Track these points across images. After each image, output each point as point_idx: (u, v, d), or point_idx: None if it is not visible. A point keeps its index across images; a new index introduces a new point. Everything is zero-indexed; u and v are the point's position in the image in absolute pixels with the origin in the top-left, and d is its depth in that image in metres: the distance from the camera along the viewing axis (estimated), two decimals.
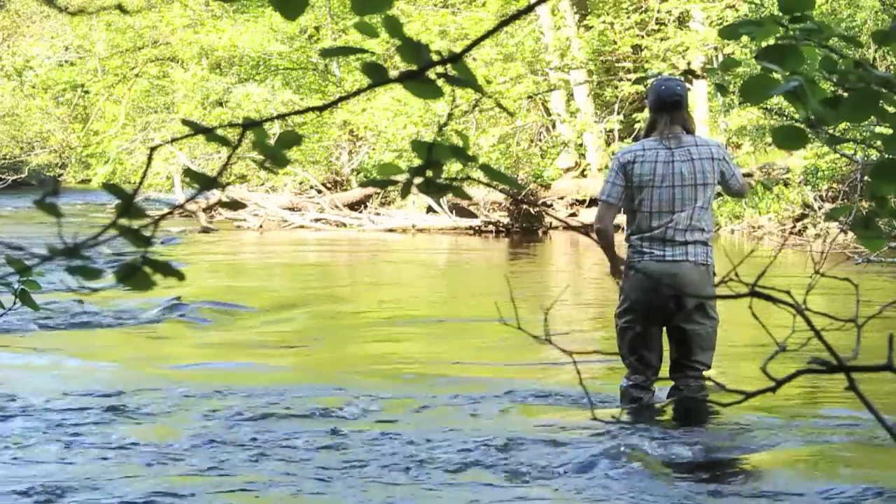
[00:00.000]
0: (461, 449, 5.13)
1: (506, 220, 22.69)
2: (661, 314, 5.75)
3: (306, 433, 5.47)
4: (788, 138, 1.73)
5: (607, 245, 5.79)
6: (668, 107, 5.75)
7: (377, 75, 1.54)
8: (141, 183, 1.89)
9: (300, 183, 26.51)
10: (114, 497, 4.43)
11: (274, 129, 19.69)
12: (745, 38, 1.84)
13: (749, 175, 21.75)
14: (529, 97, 24.07)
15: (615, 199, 5.77)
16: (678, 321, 5.75)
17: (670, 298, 5.69)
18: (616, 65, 24.51)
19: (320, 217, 24.22)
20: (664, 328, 5.87)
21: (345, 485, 4.63)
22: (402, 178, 1.60)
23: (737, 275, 1.84)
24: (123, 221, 1.51)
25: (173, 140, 2.17)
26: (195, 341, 9.12)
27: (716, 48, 22.43)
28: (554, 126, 24.70)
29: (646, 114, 6.29)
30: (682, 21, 23.07)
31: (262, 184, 27.10)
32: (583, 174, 23.83)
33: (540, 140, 24.99)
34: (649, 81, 22.69)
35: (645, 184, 5.70)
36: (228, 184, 24.04)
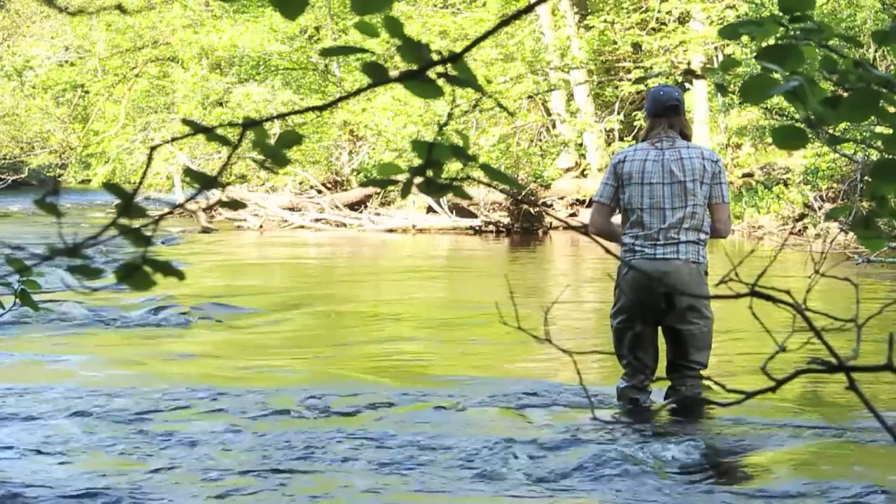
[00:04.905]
0: (460, 449, 5.13)
1: (506, 220, 22.69)
2: (653, 314, 5.75)
3: (305, 433, 5.47)
4: (788, 138, 1.73)
5: (609, 238, 5.86)
6: (666, 112, 5.82)
7: (377, 75, 1.54)
8: (141, 183, 1.89)
9: (300, 183, 26.52)
10: (112, 497, 4.43)
11: (274, 129, 19.69)
12: (745, 38, 1.84)
13: (749, 175, 21.76)
14: (529, 97, 24.08)
15: (606, 198, 5.86)
16: (671, 321, 5.75)
17: (661, 297, 5.70)
18: (616, 65, 24.52)
19: (320, 217, 24.23)
20: (660, 329, 5.88)
21: (345, 486, 4.63)
22: (402, 177, 1.60)
23: (737, 275, 1.84)
24: (123, 221, 1.51)
25: (173, 140, 2.17)
26: (195, 341, 9.11)
27: (716, 48, 22.44)
28: (554, 126, 24.70)
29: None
30: (683, 21, 23.08)
31: (262, 184, 27.12)
32: (583, 174, 23.84)
33: (540, 140, 25.00)
34: (649, 82, 22.53)
35: (634, 181, 5.76)
36: (228, 184, 24.06)
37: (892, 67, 17.42)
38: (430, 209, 23.68)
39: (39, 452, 5.18)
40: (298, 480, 4.69)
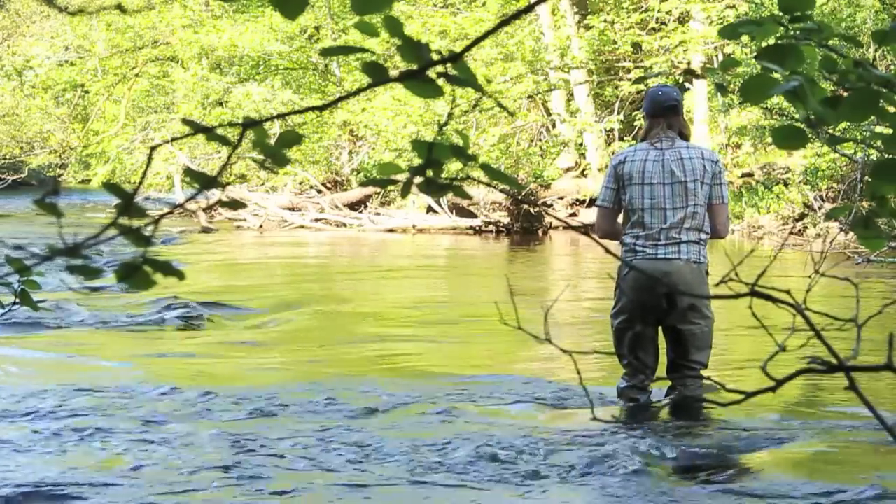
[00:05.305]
0: (460, 450, 5.12)
1: (506, 220, 22.69)
2: (654, 314, 5.76)
3: (304, 434, 5.47)
4: (788, 138, 1.73)
5: (617, 241, 5.90)
6: (665, 112, 5.82)
7: (377, 75, 1.54)
8: (141, 182, 1.89)
9: (300, 183, 26.52)
10: (112, 496, 4.43)
11: (274, 129, 19.69)
12: (745, 38, 1.84)
13: (749, 175, 21.76)
14: (529, 97, 24.08)
15: (609, 202, 5.87)
16: (672, 321, 5.76)
17: (662, 297, 5.71)
18: (616, 64, 24.52)
19: (320, 217, 24.22)
20: (660, 328, 5.88)
21: (344, 486, 4.63)
22: (402, 177, 1.60)
23: (737, 275, 1.84)
24: (123, 221, 1.51)
25: (173, 140, 2.17)
26: (194, 341, 9.11)
27: (716, 48, 22.44)
28: (554, 126, 24.70)
29: None
30: (683, 21, 23.08)
31: (262, 184, 27.12)
32: (583, 174, 23.85)
33: (540, 140, 25.00)
34: (649, 82, 22.52)
35: (635, 181, 5.76)
36: (228, 183, 24.07)
37: (892, 67, 17.42)
38: (430, 209, 23.68)
39: (16, 451, 5.17)
40: (295, 481, 4.68)
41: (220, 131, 1.57)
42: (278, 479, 4.68)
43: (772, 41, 1.73)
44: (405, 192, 1.61)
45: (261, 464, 4.92)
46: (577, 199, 23.18)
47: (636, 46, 23.58)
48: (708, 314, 5.80)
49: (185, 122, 1.65)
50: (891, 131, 1.73)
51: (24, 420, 5.82)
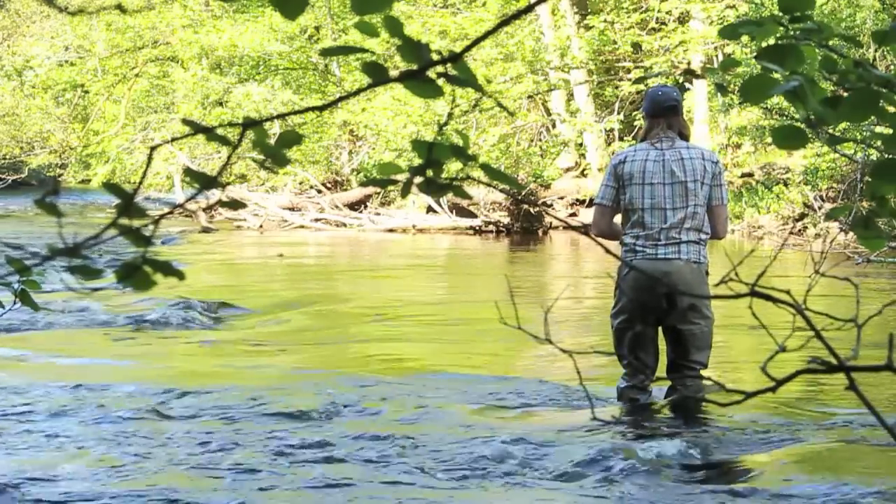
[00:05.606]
0: (459, 450, 5.12)
1: (506, 220, 22.70)
2: (654, 314, 5.76)
3: (303, 434, 5.47)
4: (788, 138, 1.73)
5: (613, 240, 5.89)
6: (665, 112, 5.82)
7: (377, 75, 1.54)
8: (141, 183, 1.89)
9: (300, 183, 26.53)
10: (105, 494, 4.42)
11: (274, 129, 19.69)
12: (745, 38, 1.84)
13: (749, 175, 21.76)
14: (529, 97, 24.08)
15: (607, 200, 5.86)
16: (672, 321, 5.76)
17: (662, 297, 5.71)
18: (616, 65, 24.53)
19: (320, 217, 24.23)
20: (660, 328, 5.88)
21: (343, 486, 4.63)
22: (402, 177, 1.60)
23: (737, 275, 1.84)
24: (123, 221, 1.51)
25: (173, 140, 2.17)
26: (193, 341, 9.11)
27: (716, 47, 22.45)
28: (554, 126, 24.71)
29: None
30: (683, 21, 23.09)
31: (262, 184, 27.13)
32: (583, 174, 23.85)
33: (540, 140, 25.00)
34: (649, 82, 22.51)
35: (635, 181, 5.76)
36: (228, 183, 24.07)
37: (892, 67, 17.42)
38: (430, 209, 23.69)
39: (31, 449, 5.18)
40: (293, 481, 4.68)
41: (220, 131, 1.57)
42: (260, 477, 4.68)
43: (772, 41, 1.73)
44: (405, 192, 1.61)
45: (243, 461, 4.92)
46: (577, 199, 23.19)
47: (636, 46, 23.59)
48: (708, 314, 5.79)
49: (185, 122, 1.65)
50: (891, 131, 1.73)
51: (28, 420, 5.82)
